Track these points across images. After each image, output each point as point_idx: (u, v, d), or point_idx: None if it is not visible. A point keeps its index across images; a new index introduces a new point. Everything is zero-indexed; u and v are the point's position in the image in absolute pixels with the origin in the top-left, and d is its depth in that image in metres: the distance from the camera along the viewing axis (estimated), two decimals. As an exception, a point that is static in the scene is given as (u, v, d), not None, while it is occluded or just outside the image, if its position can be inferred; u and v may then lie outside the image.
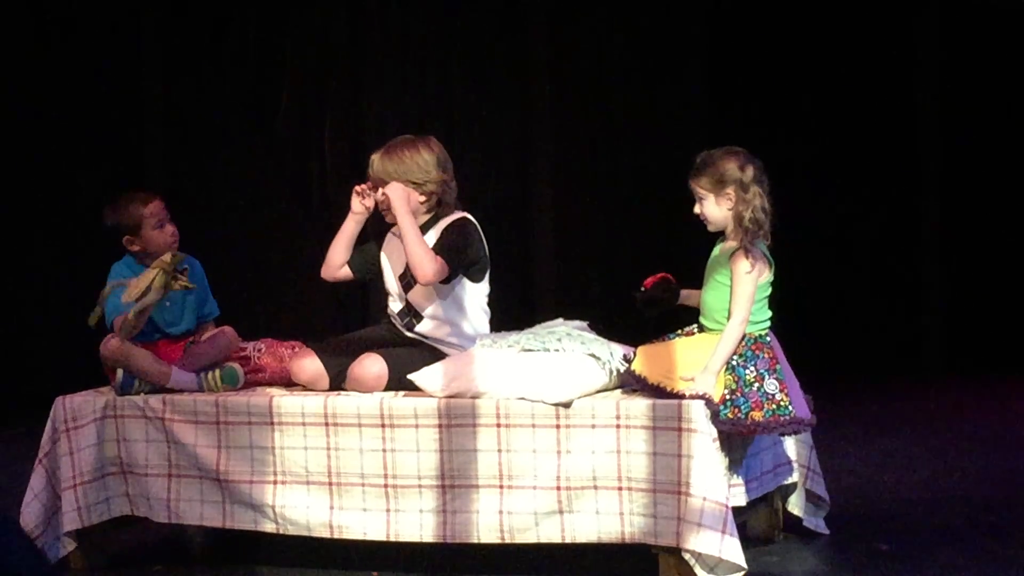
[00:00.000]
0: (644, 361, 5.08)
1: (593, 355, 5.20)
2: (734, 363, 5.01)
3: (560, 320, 5.49)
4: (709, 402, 4.93)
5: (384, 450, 5.20)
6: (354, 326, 6.55)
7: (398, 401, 5.22)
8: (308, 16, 9.92)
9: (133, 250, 5.66)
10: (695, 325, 5.24)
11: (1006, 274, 10.28)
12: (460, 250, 5.48)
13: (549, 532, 5.07)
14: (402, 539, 5.23)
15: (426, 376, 5.25)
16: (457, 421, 5.13)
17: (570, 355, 5.18)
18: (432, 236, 5.52)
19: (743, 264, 5.04)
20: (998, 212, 10.31)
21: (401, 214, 5.46)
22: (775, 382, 5.01)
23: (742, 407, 4.96)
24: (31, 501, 5.53)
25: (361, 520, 5.25)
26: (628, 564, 5.22)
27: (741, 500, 5.13)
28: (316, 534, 5.33)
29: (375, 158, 5.58)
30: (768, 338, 5.11)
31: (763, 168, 5.14)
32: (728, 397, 4.97)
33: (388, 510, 5.22)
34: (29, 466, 5.64)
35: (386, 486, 5.21)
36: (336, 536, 5.30)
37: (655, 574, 5.00)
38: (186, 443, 5.42)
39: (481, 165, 9.86)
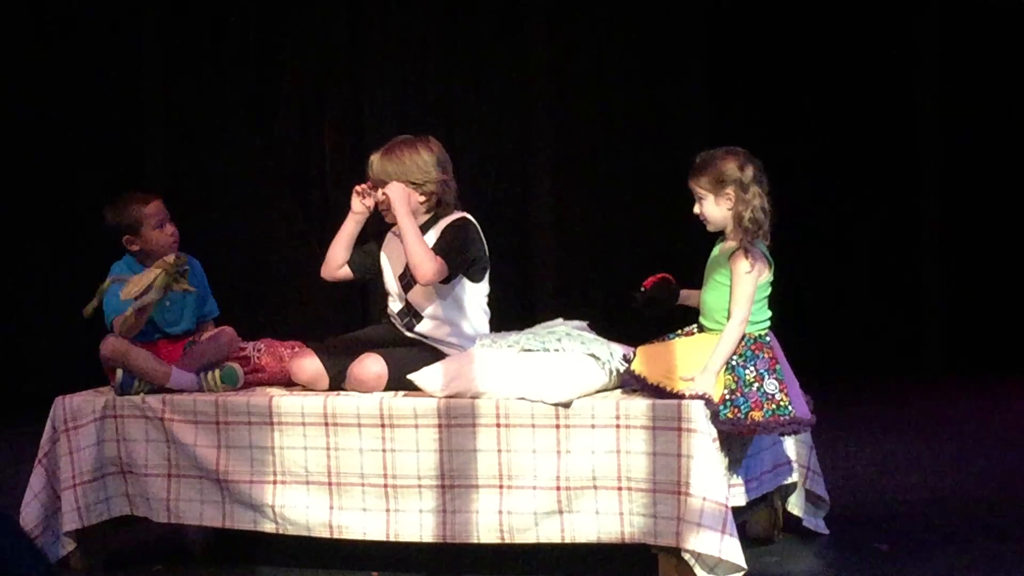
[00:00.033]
0: (644, 361, 5.08)
1: (593, 355, 5.20)
2: (734, 363, 5.01)
3: (560, 320, 5.49)
4: (709, 402, 4.93)
5: (384, 450, 5.20)
6: (354, 326, 6.56)
7: (398, 401, 5.22)
8: (308, 16, 9.92)
9: (133, 250, 5.66)
10: (695, 325, 5.24)
11: (1006, 274, 10.28)
12: (460, 250, 5.48)
13: (549, 532, 5.07)
14: (402, 539, 5.23)
15: (426, 376, 5.25)
16: (457, 421, 5.13)
17: (570, 355, 5.18)
18: (432, 236, 5.52)
19: (743, 264, 5.04)
20: (998, 212, 10.31)
21: (401, 214, 5.46)
22: (775, 382, 5.01)
23: (742, 407, 4.96)
24: (31, 501, 5.53)
25: (361, 520, 5.25)
26: (628, 564, 5.22)
27: (741, 500, 5.12)
28: (316, 534, 5.33)
29: (374, 158, 5.58)
30: (768, 338, 5.11)
31: (762, 168, 5.14)
32: (728, 397, 4.97)
33: (388, 510, 5.22)
34: (29, 466, 5.64)
35: (386, 486, 5.21)
36: (336, 536, 5.30)
37: (655, 574, 5.00)
38: (186, 443, 5.42)
39: (481, 165, 9.86)
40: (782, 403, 4.99)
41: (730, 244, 5.10)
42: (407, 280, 5.56)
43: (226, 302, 5.98)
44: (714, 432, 4.92)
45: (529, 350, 5.22)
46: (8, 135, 9.38)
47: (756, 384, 4.99)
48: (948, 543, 5.48)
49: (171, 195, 6.16)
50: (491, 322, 5.63)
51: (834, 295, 10.39)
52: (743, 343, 5.04)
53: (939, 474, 6.77)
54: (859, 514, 5.98)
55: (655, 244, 10.11)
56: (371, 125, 9.70)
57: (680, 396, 4.95)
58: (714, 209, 5.12)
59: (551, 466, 5.04)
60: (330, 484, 5.27)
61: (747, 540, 5.23)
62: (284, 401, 5.34)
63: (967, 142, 10.28)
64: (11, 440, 8.05)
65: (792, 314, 6.23)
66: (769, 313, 5.15)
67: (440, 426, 5.14)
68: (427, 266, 5.38)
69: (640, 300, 5.38)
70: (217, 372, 5.54)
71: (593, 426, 5.00)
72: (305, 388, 5.51)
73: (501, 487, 5.09)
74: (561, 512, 5.04)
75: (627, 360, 5.18)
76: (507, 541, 5.11)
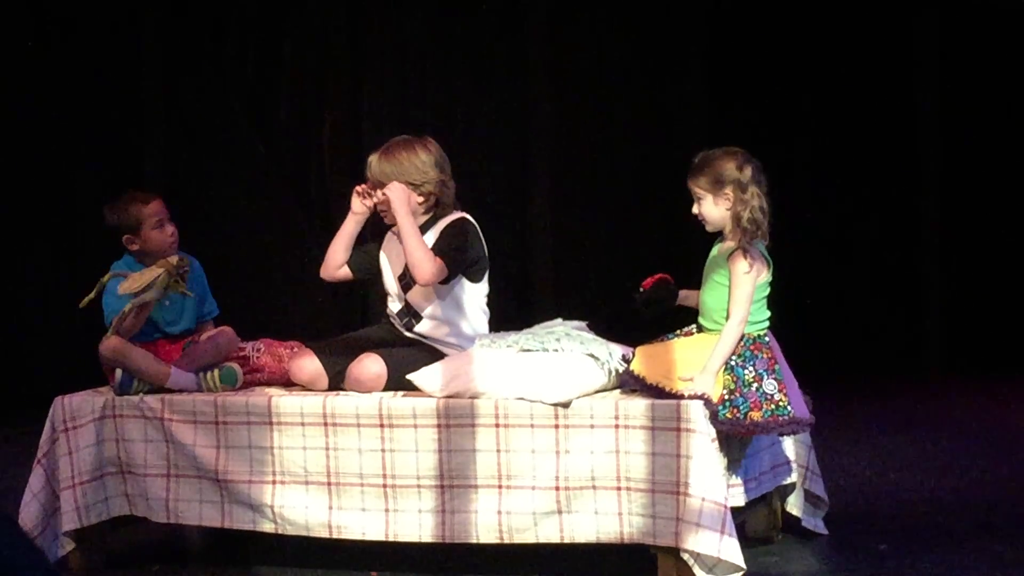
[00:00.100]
0: (643, 361, 5.08)
1: (592, 355, 5.20)
2: (733, 363, 5.01)
3: (559, 320, 5.49)
4: (708, 402, 4.93)
5: (383, 450, 5.20)
6: (354, 326, 6.55)
7: (397, 401, 5.22)
8: (308, 16, 9.92)
9: (133, 250, 5.66)
10: (694, 325, 5.24)
11: (1006, 274, 10.28)
12: (459, 251, 5.48)
13: (548, 532, 5.07)
14: (401, 539, 5.23)
15: (425, 376, 5.25)
16: (456, 421, 5.13)
17: (569, 355, 5.18)
18: (431, 236, 5.52)
19: (741, 264, 5.04)
20: (998, 212, 10.31)
21: (401, 215, 5.46)
22: (774, 382, 5.01)
23: (741, 407, 4.96)
24: (30, 501, 5.53)
25: (360, 520, 5.25)
26: (627, 564, 5.22)
27: (740, 500, 5.13)
28: (315, 534, 5.33)
29: (373, 159, 5.59)
30: (767, 338, 5.11)
31: (761, 168, 5.14)
32: (727, 397, 4.97)
33: (387, 510, 5.22)
34: (28, 466, 5.64)
35: (385, 486, 5.21)
36: (335, 536, 5.31)
37: (654, 574, 5.00)
38: (185, 443, 5.42)
39: (481, 165, 9.86)
40: (781, 403, 4.99)
41: (729, 244, 5.11)
42: (406, 280, 5.56)
43: (226, 302, 5.98)
44: (713, 432, 4.92)
45: (528, 350, 5.22)
46: (8, 135, 9.38)
47: (755, 384, 5.00)
48: (947, 543, 5.48)
49: (171, 195, 6.16)
50: (490, 322, 5.63)
51: (834, 295, 10.39)
52: (742, 343, 5.04)
53: (938, 474, 6.77)
54: (858, 514, 5.98)
55: (654, 244, 10.10)
56: (371, 125, 9.70)
57: (679, 396, 4.95)
58: (713, 209, 5.12)
59: (550, 466, 5.04)
60: (329, 484, 5.27)
61: (746, 540, 5.22)
62: (283, 401, 5.34)
63: (967, 142, 10.28)
64: (10, 440, 8.05)
65: (792, 314, 6.23)
66: (768, 313, 5.15)
67: (439, 426, 5.14)
68: (426, 267, 5.38)
69: (639, 300, 5.38)
70: (216, 372, 5.54)
71: (592, 426, 5.00)
72: (304, 388, 5.52)
73: (500, 487, 5.09)
74: (560, 512, 5.04)
75: (626, 360, 5.18)
76: (506, 541, 5.11)
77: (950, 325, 10.37)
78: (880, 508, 6.12)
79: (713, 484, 4.86)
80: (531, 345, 5.23)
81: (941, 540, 5.53)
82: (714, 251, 5.19)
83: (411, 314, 5.58)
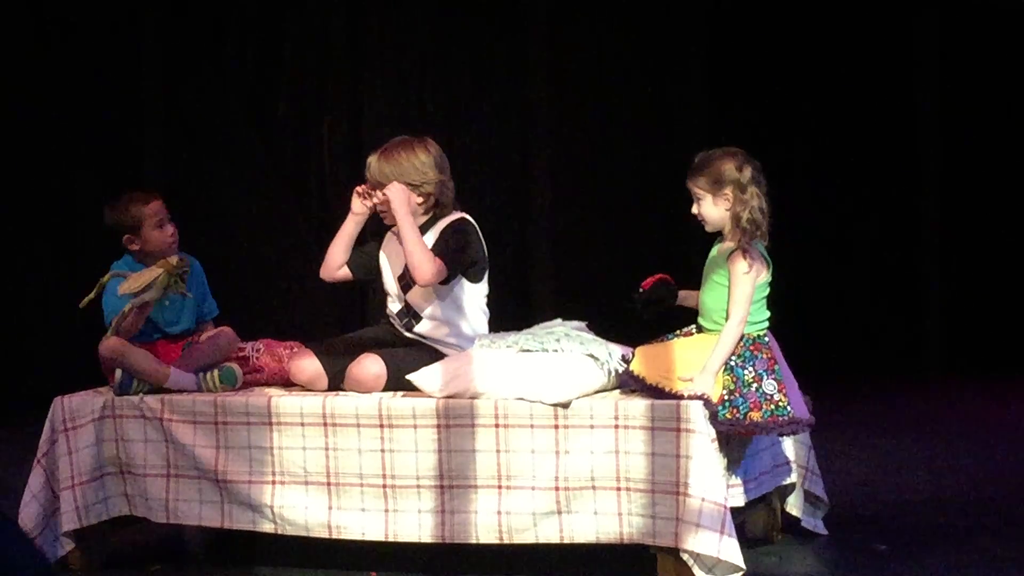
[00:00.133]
0: (642, 361, 5.08)
1: (591, 355, 5.20)
2: (732, 363, 5.01)
3: (559, 320, 5.49)
4: (707, 402, 4.93)
5: (383, 450, 5.20)
6: (353, 326, 6.56)
7: (397, 401, 5.22)
8: (308, 16, 9.92)
9: (133, 249, 5.66)
10: (693, 326, 5.24)
11: (1006, 274, 10.29)
12: (459, 251, 5.48)
13: (547, 532, 5.07)
14: (400, 539, 5.23)
15: (425, 376, 5.25)
16: (456, 421, 5.13)
17: (568, 355, 5.18)
18: (431, 237, 5.52)
19: (741, 265, 5.04)
20: (998, 212, 10.31)
21: (401, 215, 5.46)
22: (773, 382, 5.01)
23: (740, 407, 4.96)
24: (29, 501, 5.52)
25: (359, 520, 5.25)
26: (626, 564, 5.21)
27: (739, 500, 5.12)
28: (314, 534, 5.33)
29: (372, 160, 5.58)
30: (766, 338, 5.11)
31: (761, 168, 5.14)
32: (726, 397, 4.97)
33: (386, 510, 5.22)
34: (28, 466, 5.63)
35: (384, 486, 5.21)
36: (334, 536, 5.30)
37: (653, 574, 5.00)
38: (185, 443, 5.42)
39: (481, 165, 9.86)
40: (781, 403, 4.99)
41: (728, 244, 5.11)
42: (406, 281, 5.56)
43: (225, 302, 5.98)
44: (713, 432, 4.92)
45: (528, 350, 5.22)
46: (8, 135, 9.38)
47: (755, 384, 4.99)
48: (947, 543, 5.48)
49: (171, 195, 6.16)
50: (490, 322, 5.63)
51: (834, 295, 10.39)
52: (742, 343, 5.04)
53: (938, 474, 6.77)
54: (858, 514, 5.98)
55: (654, 244, 10.11)
56: (370, 125, 9.70)
57: (679, 396, 4.95)
58: (712, 209, 5.12)
59: (550, 466, 5.04)
60: (329, 484, 5.27)
61: (745, 540, 5.22)
62: (283, 401, 5.34)
63: (967, 142, 10.28)
64: (10, 440, 8.05)
65: (792, 314, 6.23)
66: (768, 313, 5.15)
67: (439, 426, 5.14)
68: (426, 267, 5.38)
69: (639, 301, 5.38)
70: (216, 372, 5.54)
71: (592, 426, 5.00)
72: (304, 388, 5.51)
73: (500, 487, 5.09)
74: (560, 512, 5.04)
75: (626, 360, 5.18)
76: (506, 541, 5.11)
77: (950, 325, 10.38)
78: (880, 508, 6.12)
79: (713, 484, 4.86)
80: (531, 345, 5.23)
81: (941, 540, 5.53)
82: (714, 251, 5.19)
83: (411, 314, 5.58)
